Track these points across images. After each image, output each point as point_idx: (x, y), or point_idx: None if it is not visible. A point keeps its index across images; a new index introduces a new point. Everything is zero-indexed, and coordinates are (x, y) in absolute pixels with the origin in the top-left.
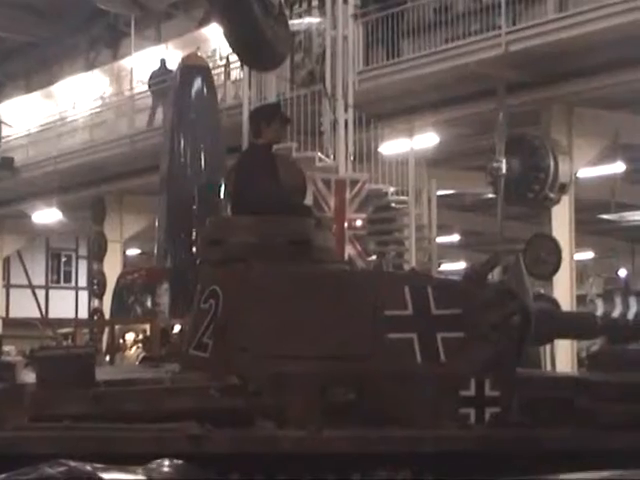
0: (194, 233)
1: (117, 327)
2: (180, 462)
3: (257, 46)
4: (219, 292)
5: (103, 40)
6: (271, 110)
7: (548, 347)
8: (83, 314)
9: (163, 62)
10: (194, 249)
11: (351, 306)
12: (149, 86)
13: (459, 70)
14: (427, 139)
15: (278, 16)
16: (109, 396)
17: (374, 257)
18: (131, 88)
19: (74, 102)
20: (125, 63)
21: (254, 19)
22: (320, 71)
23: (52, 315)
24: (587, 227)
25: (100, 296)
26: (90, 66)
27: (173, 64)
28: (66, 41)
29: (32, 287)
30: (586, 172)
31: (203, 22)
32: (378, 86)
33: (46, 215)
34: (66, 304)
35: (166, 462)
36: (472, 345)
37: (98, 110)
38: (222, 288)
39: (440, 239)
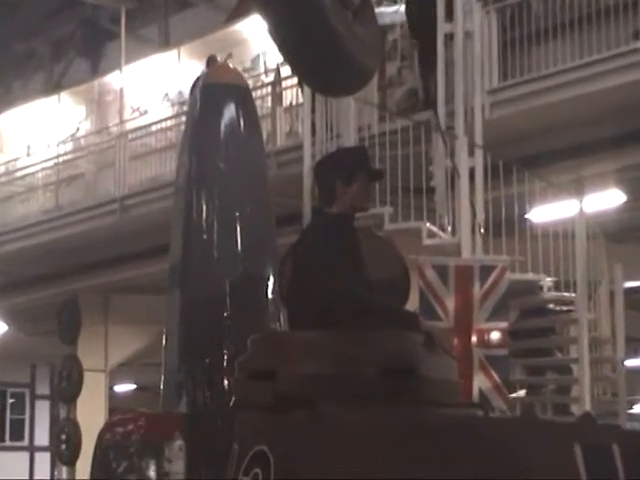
0: (225, 357)
1: None
2: None
3: (325, 54)
4: (269, 455)
5: (75, 45)
6: (352, 159)
7: None
8: None
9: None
10: (226, 384)
11: (484, 474)
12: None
13: None
14: (606, 198)
15: (360, 5)
16: None
17: (521, 393)
18: (121, 121)
19: (28, 144)
20: (111, 80)
21: (318, 9)
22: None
23: None
24: None
25: (71, 461)
26: (55, 86)
27: (187, 81)
28: (17, 46)
29: None
30: None
31: (235, 14)
32: (522, 113)
33: None
34: (15, 474)
35: None
36: None
37: (68, 157)
38: (273, 448)
39: (631, 362)
